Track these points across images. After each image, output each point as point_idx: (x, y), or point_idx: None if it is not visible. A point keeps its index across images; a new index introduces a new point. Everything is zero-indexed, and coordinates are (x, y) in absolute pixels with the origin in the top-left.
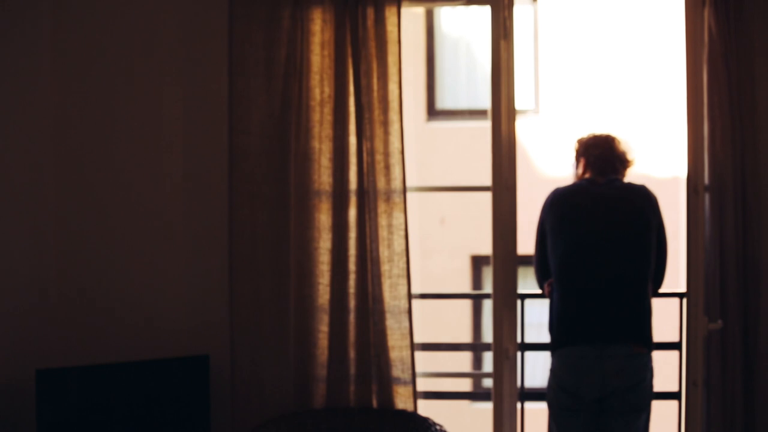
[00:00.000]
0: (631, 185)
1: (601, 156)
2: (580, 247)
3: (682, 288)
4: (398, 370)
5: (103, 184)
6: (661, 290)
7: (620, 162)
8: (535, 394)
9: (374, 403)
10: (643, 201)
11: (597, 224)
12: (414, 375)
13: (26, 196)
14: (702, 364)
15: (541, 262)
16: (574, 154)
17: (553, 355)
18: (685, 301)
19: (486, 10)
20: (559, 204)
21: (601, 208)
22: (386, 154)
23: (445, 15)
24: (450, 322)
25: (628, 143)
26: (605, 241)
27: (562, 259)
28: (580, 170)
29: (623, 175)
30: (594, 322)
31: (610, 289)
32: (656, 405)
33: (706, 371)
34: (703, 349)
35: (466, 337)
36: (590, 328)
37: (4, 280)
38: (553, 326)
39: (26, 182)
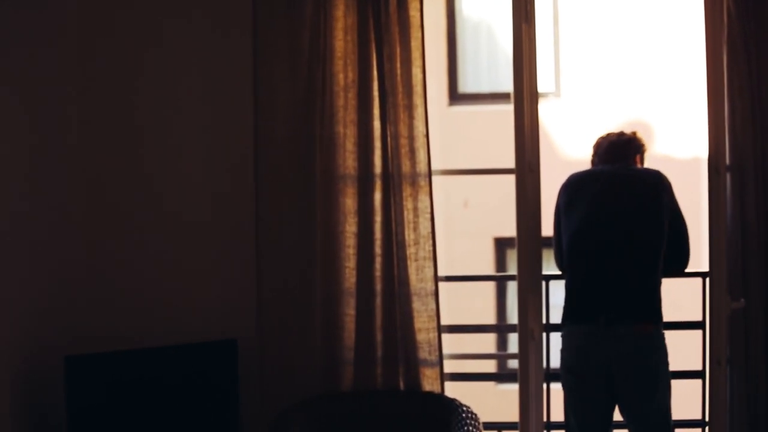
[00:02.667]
0: (645, 169)
1: (616, 142)
2: (588, 225)
3: (705, 268)
4: (425, 352)
5: (130, 173)
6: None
7: (633, 148)
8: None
9: (401, 386)
10: (655, 182)
11: (605, 203)
12: (441, 357)
13: (53, 183)
14: (725, 343)
15: (558, 244)
16: (591, 156)
17: (561, 336)
18: (708, 280)
19: None
20: (571, 185)
21: (610, 188)
22: (410, 138)
23: None
24: (474, 304)
25: (641, 135)
26: (612, 218)
27: (571, 236)
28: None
29: (637, 162)
30: (598, 299)
31: (615, 266)
32: (680, 384)
33: (729, 350)
34: (726, 328)
35: (490, 319)
36: (594, 305)
37: (32, 267)
38: (565, 304)
39: (52, 171)
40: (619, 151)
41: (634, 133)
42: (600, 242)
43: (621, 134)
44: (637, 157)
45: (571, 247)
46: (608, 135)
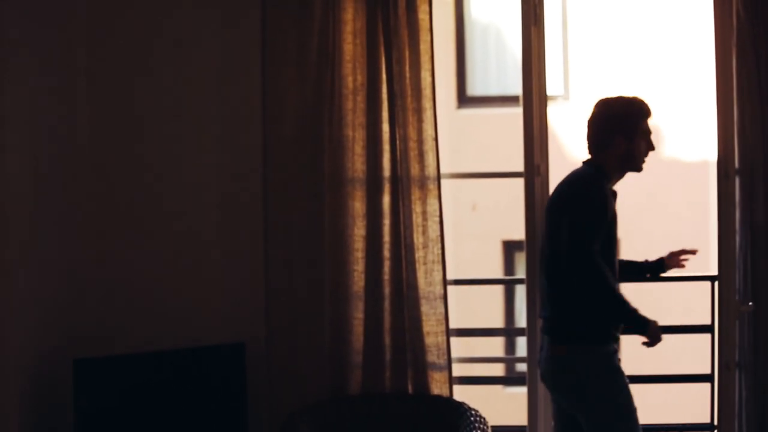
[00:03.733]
0: (571, 175)
1: (595, 129)
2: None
3: (714, 271)
4: (433, 356)
5: (139, 175)
6: (693, 273)
7: (616, 132)
8: None
9: (410, 389)
10: (565, 194)
11: (545, 219)
12: (449, 360)
13: (63, 186)
14: (734, 346)
15: None
16: None
17: None
18: (716, 284)
19: None
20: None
21: (550, 202)
22: (419, 141)
23: (474, 1)
24: (482, 307)
25: (641, 100)
26: (541, 236)
27: None
28: None
29: (621, 144)
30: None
31: (543, 288)
32: (689, 387)
33: (738, 353)
34: (735, 331)
35: (498, 322)
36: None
37: (41, 271)
38: None
39: (62, 173)
40: (595, 142)
41: (636, 99)
42: (540, 262)
43: (607, 115)
44: (620, 138)
45: None
46: (604, 103)
